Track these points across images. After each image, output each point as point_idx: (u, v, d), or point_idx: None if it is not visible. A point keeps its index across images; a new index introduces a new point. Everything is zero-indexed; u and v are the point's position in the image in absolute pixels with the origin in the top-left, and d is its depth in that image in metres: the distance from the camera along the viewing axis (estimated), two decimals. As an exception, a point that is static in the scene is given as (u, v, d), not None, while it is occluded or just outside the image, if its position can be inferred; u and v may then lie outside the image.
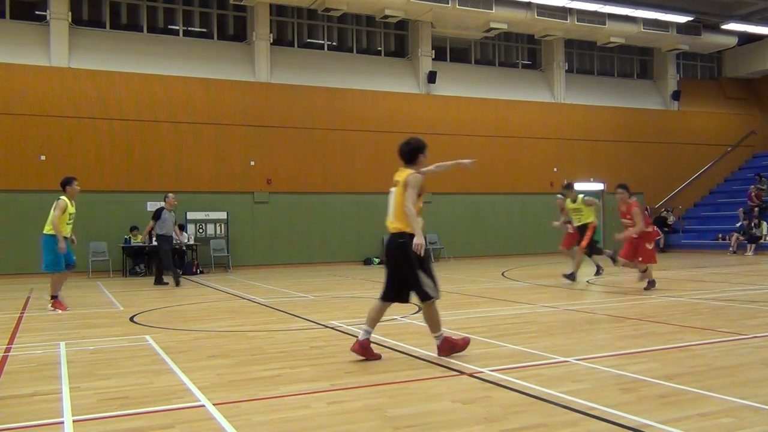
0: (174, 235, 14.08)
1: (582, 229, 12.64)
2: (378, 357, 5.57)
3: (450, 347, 5.58)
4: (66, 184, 9.93)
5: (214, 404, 4.25)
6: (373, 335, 6.45)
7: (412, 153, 5.71)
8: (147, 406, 4.27)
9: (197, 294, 12.11)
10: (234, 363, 5.59)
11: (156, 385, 4.88)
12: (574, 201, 12.76)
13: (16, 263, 16.51)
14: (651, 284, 10.65)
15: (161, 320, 8.46)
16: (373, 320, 5.66)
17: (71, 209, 9.80)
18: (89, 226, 17.33)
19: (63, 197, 9.76)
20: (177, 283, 13.70)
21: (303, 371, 5.18)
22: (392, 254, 5.61)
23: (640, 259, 10.56)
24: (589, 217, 12.60)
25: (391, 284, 5.64)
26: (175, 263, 17.53)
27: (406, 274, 5.51)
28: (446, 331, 5.87)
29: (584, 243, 12.48)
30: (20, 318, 8.89)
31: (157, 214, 13.71)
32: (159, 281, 14.06)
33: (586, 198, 12.65)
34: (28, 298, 11.59)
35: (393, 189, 5.66)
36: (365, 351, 5.51)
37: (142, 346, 6.52)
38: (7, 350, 6.44)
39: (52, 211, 9.63)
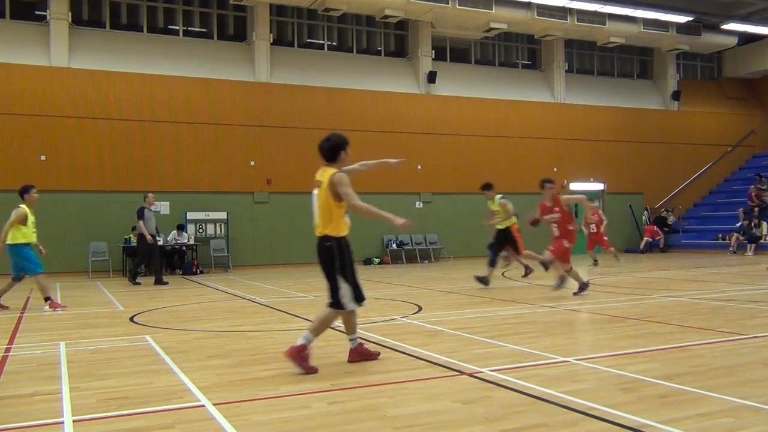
0: (172, 236, 14.22)
1: (504, 232, 12.03)
2: (377, 354, 5.52)
3: (302, 359, 5.09)
4: (24, 192, 9.91)
5: (214, 404, 4.25)
6: (372, 335, 6.44)
7: (333, 150, 5.36)
8: (147, 406, 4.27)
9: (197, 294, 12.11)
10: (234, 363, 5.59)
11: (156, 385, 4.88)
12: (492, 201, 12.20)
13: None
14: (561, 281, 10.09)
15: (161, 320, 8.46)
16: (352, 328, 5.49)
17: (31, 217, 9.80)
18: (89, 226, 17.38)
19: (22, 206, 9.74)
20: (132, 280, 14.14)
21: (301, 372, 5.17)
22: (319, 258, 5.35)
23: (552, 249, 9.92)
24: (510, 220, 12.05)
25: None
26: (175, 263, 17.68)
27: (327, 278, 5.33)
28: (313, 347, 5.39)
29: (522, 248, 11.99)
30: (20, 318, 8.89)
31: (140, 214, 14.04)
32: (159, 281, 14.12)
33: (501, 200, 12.07)
34: (28, 298, 11.58)
35: (315, 191, 5.36)
36: (362, 355, 5.46)
37: (142, 346, 6.52)
38: (7, 350, 6.44)
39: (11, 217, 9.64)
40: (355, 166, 5.76)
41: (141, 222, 13.95)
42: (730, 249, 21.04)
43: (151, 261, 14.97)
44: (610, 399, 4.16)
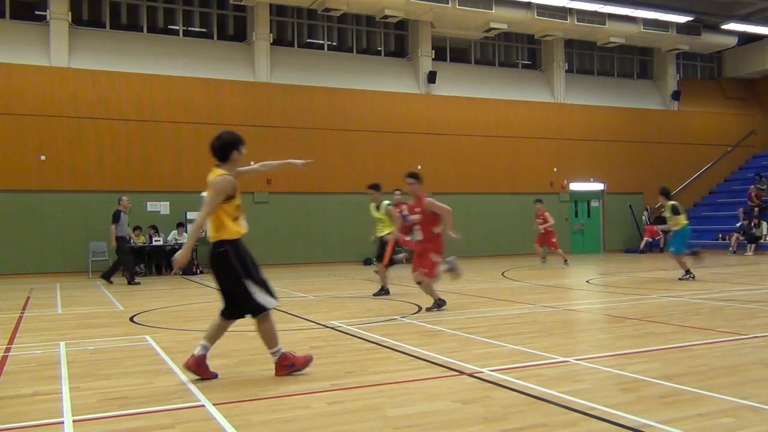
0: (172, 235, 14.21)
1: (382, 239, 11.02)
2: (214, 376, 4.96)
3: (289, 365, 4.98)
4: None
5: (214, 404, 4.25)
6: (372, 335, 6.42)
7: (223, 149, 5.02)
8: (147, 406, 4.27)
9: (197, 294, 12.11)
10: (234, 363, 5.59)
11: (156, 385, 4.88)
12: (377, 208, 11.11)
13: (16, 263, 16.53)
14: (439, 303, 8.69)
15: (161, 320, 8.46)
16: (212, 336, 5.04)
17: None
18: (89, 226, 17.37)
19: None
20: (130, 281, 14.20)
21: (303, 371, 5.17)
22: (214, 266, 4.96)
23: (425, 271, 8.58)
24: (389, 228, 10.93)
25: (226, 299, 5.04)
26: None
27: (232, 286, 4.90)
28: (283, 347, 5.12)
29: (387, 260, 10.82)
30: (20, 318, 8.89)
31: (116, 217, 14.09)
32: (107, 277, 14.38)
33: (389, 207, 11.02)
34: (28, 298, 11.59)
35: (204, 193, 5.04)
36: (199, 367, 4.91)
37: (142, 346, 6.52)
38: (7, 350, 6.44)
39: None
40: (256, 166, 5.48)
41: (114, 226, 14.01)
42: (730, 249, 21.04)
43: (118, 260, 15.01)
44: (610, 399, 4.16)
